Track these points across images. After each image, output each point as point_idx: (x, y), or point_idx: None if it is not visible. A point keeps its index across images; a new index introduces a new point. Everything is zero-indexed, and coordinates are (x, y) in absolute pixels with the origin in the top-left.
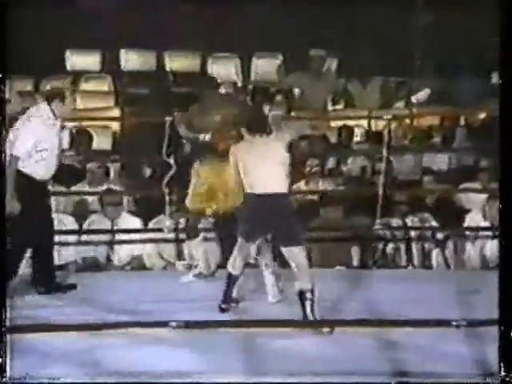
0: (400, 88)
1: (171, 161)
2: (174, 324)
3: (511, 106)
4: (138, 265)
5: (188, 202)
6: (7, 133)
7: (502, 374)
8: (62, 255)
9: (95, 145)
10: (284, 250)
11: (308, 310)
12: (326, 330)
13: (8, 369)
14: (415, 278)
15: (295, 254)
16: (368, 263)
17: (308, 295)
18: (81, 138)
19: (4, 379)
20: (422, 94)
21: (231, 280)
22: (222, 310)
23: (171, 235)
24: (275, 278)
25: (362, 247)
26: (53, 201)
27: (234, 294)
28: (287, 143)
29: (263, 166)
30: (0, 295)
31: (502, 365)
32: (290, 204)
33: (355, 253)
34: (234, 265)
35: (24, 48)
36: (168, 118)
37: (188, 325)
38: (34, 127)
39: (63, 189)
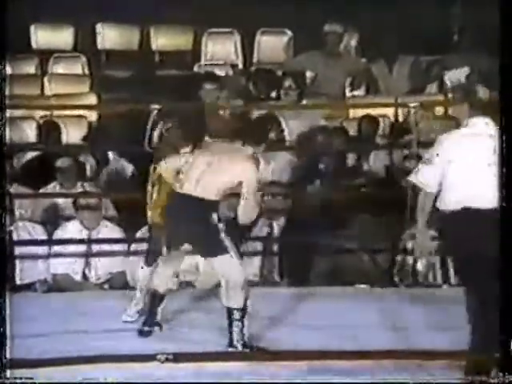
0: (433, 69)
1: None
2: (162, 357)
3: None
4: (118, 283)
5: (149, 215)
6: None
7: (501, 374)
8: (27, 272)
9: (68, 138)
10: (209, 260)
11: (235, 334)
12: None
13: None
14: (452, 299)
15: (219, 265)
16: (395, 281)
17: (236, 315)
18: (49, 130)
19: (4, 379)
20: (458, 73)
21: (156, 299)
22: (142, 334)
23: None
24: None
25: (387, 261)
26: (17, 206)
27: (159, 317)
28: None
29: (208, 164)
30: None
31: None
32: (211, 211)
33: (379, 268)
34: (160, 281)
35: None
36: (154, 107)
37: (177, 358)
38: None
39: (29, 191)
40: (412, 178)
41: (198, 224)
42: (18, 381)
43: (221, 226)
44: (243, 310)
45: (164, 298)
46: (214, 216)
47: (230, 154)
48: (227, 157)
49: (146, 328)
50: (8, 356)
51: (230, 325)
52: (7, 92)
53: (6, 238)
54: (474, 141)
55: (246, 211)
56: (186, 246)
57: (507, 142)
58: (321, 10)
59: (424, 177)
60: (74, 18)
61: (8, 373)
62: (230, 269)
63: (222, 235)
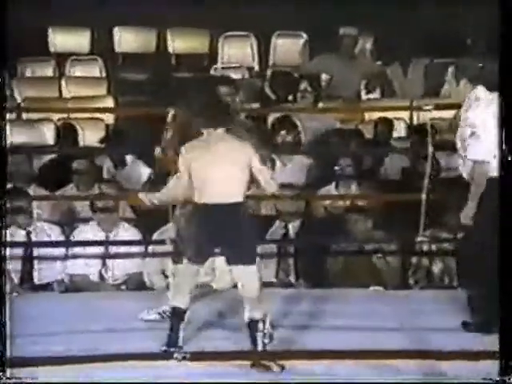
0: (447, 71)
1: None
2: (179, 356)
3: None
4: (135, 284)
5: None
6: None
7: (502, 374)
8: (44, 273)
9: (85, 140)
10: (234, 269)
11: (260, 345)
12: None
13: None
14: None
15: (247, 275)
16: (410, 283)
17: (260, 326)
18: (67, 133)
19: (4, 379)
20: None
21: (177, 316)
22: (167, 354)
23: None
24: None
25: (402, 264)
26: (35, 207)
27: (181, 335)
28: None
29: (220, 169)
30: None
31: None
32: (245, 215)
33: (394, 271)
34: (179, 296)
35: None
36: (170, 110)
37: (194, 356)
38: None
39: (46, 193)
40: (470, 156)
41: (232, 231)
42: (23, 380)
43: (254, 232)
44: (264, 321)
45: (186, 313)
46: (248, 221)
47: (221, 146)
48: (223, 150)
49: (172, 349)
50: (23, 355)
51: (253, 337)
52: (25, 94)
53: (6, 240)
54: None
55: (268, 180)
56: (213, 257)
57: (507, 144)
58: (336, 13)
59: (476, 149)
60: (91, 20)
61: (18, 371)
62: (252, 279)
63: (255, 243)
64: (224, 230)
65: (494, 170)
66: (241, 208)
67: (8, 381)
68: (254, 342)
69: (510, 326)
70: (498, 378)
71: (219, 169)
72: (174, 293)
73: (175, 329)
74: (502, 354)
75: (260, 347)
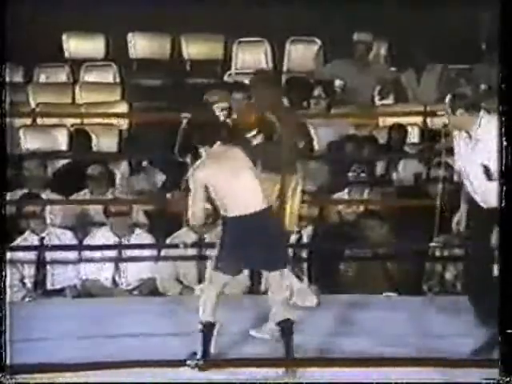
0: (462, 78)
1: (187, 160)
2: (192, 363)
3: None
4: (149, 289)
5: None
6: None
7: (502, 375)
8: (57, 278)
9: (98, 146)
10: (269, 275)
11: (292, 347)
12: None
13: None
14: None
15: (280, 278)
16: (423, 289)
17: (290, 327)
18: (80, 139)
19: (4, 379)
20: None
21: (208, 329)
22: (198, 367)
23: (191, 252)
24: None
25: (415, 270)
26: (48, 212)
27: (213, 346)
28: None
29: (241, 181)
30: None
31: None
32: (273, 219)
33: (408, 277)
34: (206, 309)
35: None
36: (184, 115)
37: (207, 363)
38: None
39: (60, 197)
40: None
41: (264, 238)
42: (18, 381)
43: (284, 236)
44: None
45: (215, 326)
46: (277, 225)
47: (235, 160)
48: (239, 163)
49: (201, 362)
50: (34, 361)
51: (288, 338)
52: (39, 100)
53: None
54: None
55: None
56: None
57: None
58: (350, 19)
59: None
60: (106, 26)
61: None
62: (284, 282)
63: (286, 246)
64: (258, 238)
65: None
66: (269, 213)
67: (8, 381)
68: (287, 344)
69: (510, 326)
70: (498, 378)
71: (240, 181)
72: (203, 306)
73: (207, 341)
74: (503, 355)
75: (292, 348)
